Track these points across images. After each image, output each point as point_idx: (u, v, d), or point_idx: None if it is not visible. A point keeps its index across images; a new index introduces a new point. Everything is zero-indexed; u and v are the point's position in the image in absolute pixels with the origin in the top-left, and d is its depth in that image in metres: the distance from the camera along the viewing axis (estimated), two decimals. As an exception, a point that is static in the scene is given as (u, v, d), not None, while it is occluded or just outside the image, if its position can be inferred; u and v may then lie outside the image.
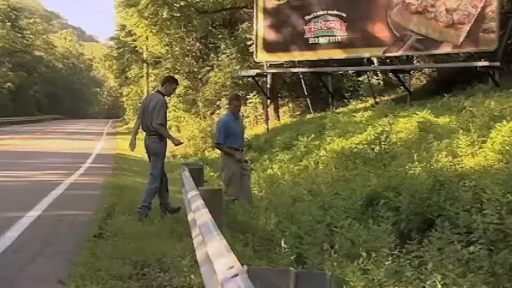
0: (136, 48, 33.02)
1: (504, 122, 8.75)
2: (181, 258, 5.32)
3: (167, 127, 8.24)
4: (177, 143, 8.15)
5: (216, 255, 3.28)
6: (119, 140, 35.28)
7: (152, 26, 24.46)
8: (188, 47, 27.64)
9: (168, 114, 8.27)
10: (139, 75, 36.50)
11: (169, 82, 8.14)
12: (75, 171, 13.74)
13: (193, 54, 27.80)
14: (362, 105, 18.10)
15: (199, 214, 4.71)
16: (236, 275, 2.66)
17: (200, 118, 25.31)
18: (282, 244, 5.46)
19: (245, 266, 2.85)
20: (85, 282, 4.71)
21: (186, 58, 27.86)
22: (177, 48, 27.83)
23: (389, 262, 5.47)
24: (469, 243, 6.00)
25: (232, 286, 2.60)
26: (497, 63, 13.43)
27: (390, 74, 18.23)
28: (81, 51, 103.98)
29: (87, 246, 6.02)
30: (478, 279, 5.00)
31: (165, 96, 8.03)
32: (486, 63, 13.56)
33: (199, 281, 4.37)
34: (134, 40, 31.37)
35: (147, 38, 28.11)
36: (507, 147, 7.90)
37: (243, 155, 8.69)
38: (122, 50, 38.50)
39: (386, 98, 18.03)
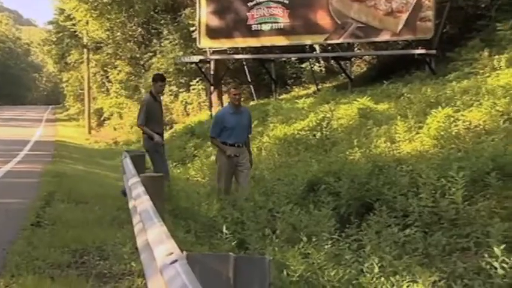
0: (76, 33, 32.17)
1: (439, 108, 9.02)
2: (122, 246, 5.28)
3: (155, 121, 8.33)
4: (154, 140, 8.20)
5: (156, 242, 3.27)
6: (58, 126, 34.48)
7: (92, 10, 23.92)
8: (130, 32, 27.13)
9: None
10: (80, 60, 35.61)
11: (154, 80, 8.46)
12: (12, 159, 13.38)
13: (135, 39, 27.32)
14: (304, 92, 18.28)
15: (140, 201, 4.67)
16: (175, 261, 2.66)
17: (143, 105, 24.98)
18: (224, 230, 5.50)
19: (184, 252, 2.86)
20: (21, 272, 4.61)
21: (128, 44, 27.36)
22: (118, 34, 27.27)
23: (329, 246, 5.58)
24: (406, 226, 6.17)
25: (171, 272, 2.60)
26: (434, 51, 13.81)
27: (332, 61, 18.44)
28: (18, 36, 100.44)
29: (23, 235, 5.89)
30: (413, 261, 5.15)
31: (158, 94, 8.38)
32: (423, 51, 13.92)
33: (139, 268, 4.34)
34: (74, 24, 30.56)
35: (87, 22, 27.45)
36: (442, 133, 8.15)
37: (241, 150, 8.20)
38: (61, 34, 37.46)
39: (328, 84, 18.27)
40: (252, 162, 8.61)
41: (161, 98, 8.90)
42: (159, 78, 8.47)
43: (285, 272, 4.80)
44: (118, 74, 27.45)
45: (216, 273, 2.84)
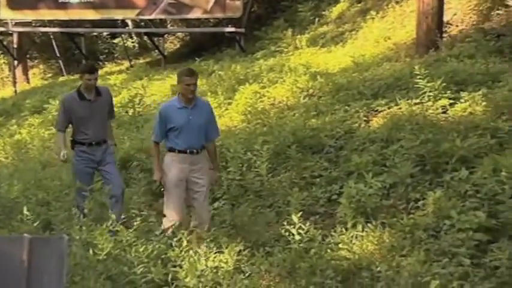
0: None
1: (247, 84, 9.37)
2: None
3: (81, 125, 6.23)
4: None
5: None
6: None
7: None
8: None
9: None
10: None
11: (81, 73, 6.34)
12: None
13: None
14: (117, 68, 17.88)
15: None
16: (-40, 246, 2.48)
17: None
18: (25, 211, 5.21)
19: (-28, 237, 2.67)
20: None
21: None
22: None
23: (139, 222, 5.56)
24: (215, 199, 6.39)
25: (-46, 258, 2.41)
26: (243, 30, 14.28)
27: (145, 37, 18.22)
28: None
29: None
30: (220, 232, 5.34)
31: (86, 89, 6.20)
32: (233, 29, 14.34)
33: None
34: None
35: None
36: (249, 109, 8.49)
37: (196, 159, 5.53)
38: None
39: (141, 61, 18.08)
40: (217, 178, 5.93)
41: (102, 94, 6.35)
42: (86, 70, 6.24)
43: (91, 251, 4.70)
44: None
45: (9, 256, 2.71)
